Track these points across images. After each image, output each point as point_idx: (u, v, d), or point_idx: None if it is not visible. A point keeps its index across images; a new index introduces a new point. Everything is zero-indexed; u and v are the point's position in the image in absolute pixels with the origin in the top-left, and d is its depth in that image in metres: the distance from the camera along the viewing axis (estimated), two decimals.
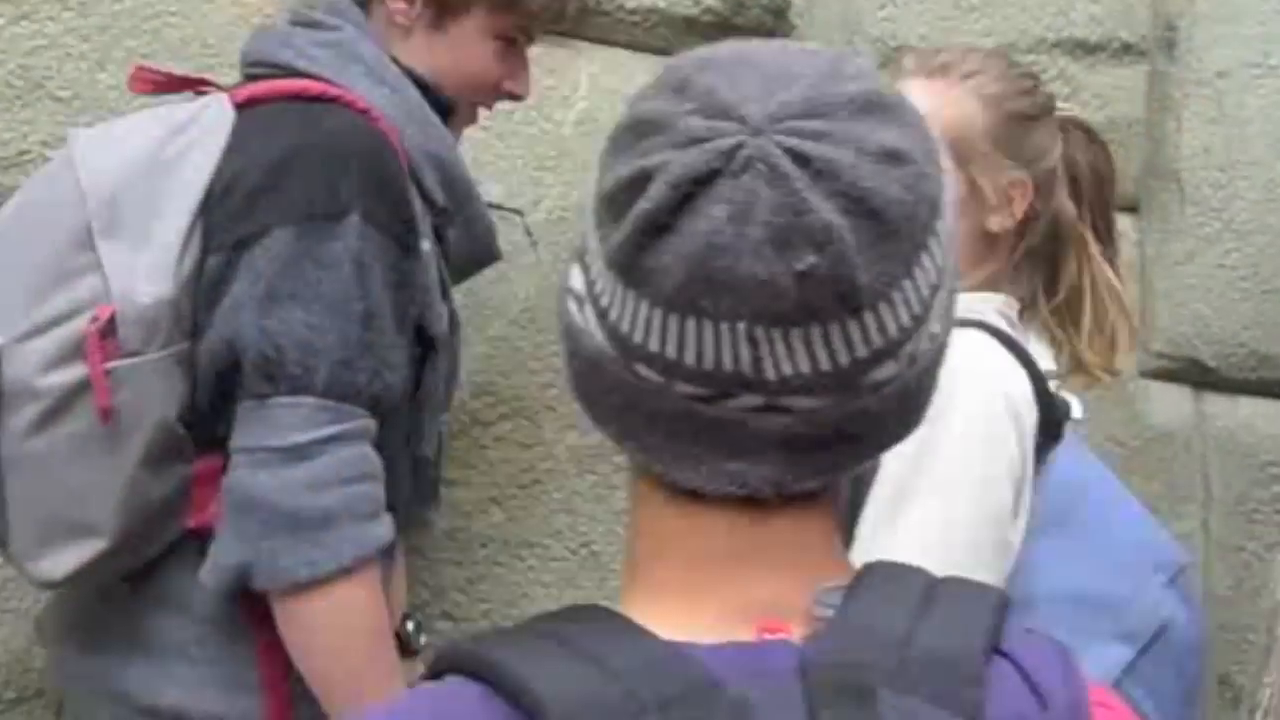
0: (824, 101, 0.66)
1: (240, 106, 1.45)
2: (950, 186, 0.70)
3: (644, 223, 0.65)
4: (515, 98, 1.63)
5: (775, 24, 2.04)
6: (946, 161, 0.70)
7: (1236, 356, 2.33)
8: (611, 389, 0.69)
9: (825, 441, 0.68)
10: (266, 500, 1.34)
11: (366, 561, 1.37)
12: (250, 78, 1.52)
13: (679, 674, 0.64)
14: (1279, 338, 2.35)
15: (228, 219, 1.40)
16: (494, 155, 1.87)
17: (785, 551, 0.70)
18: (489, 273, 1.88)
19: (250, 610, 1.40)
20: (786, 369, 0.65)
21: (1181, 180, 2.36)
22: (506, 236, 1.89)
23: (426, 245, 1.50)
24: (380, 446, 1.42)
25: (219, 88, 1.52)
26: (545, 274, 1.90)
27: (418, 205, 1.49)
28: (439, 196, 1.54)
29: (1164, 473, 2.30)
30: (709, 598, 0.69)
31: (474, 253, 1.67)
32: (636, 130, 0.68)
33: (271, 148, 1.41)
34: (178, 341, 1.39)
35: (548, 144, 1.89)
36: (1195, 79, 2.37)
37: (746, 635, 0.68)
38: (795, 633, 0.68)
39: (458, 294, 1.86)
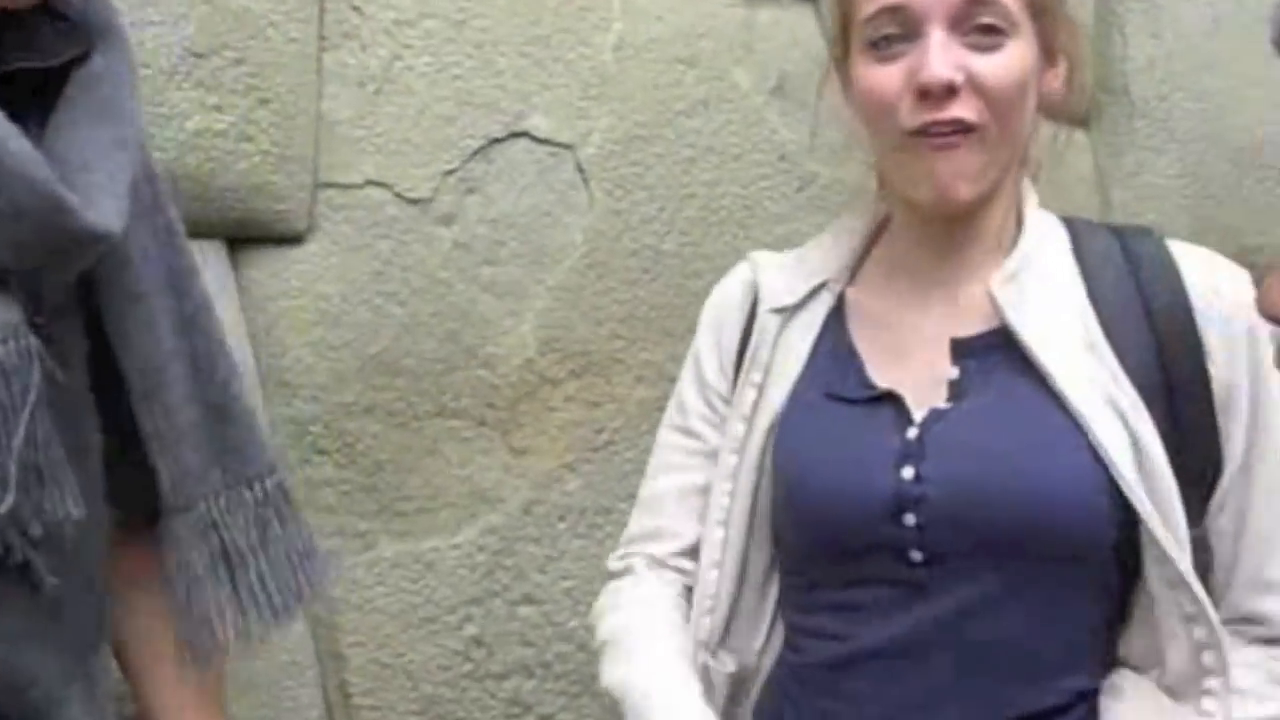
0: None
1: None
2: None
3: None
4: None
5: None
6: None
7: None
8: None
9: None
10: None
11: None
12: None
13: None
14: (1217, 241, 2.41)
15: None
16: (538, 85, 1.69)
17: None
18: (541, 218, 1.70)
19: None
20: None
21: (1130, 94, 2.39)
22: (556, 175, 1.71)
23: None
24: None
25: None
26: (600, 214, 1.73)
27: None
28: None
29: None
30: None
31: (35, 239, 1.02)
32: None
33: None
34: None
35: (589, 71, 1.71)
36: None
37: None
38: None
39: (511, 241, 1.67)
